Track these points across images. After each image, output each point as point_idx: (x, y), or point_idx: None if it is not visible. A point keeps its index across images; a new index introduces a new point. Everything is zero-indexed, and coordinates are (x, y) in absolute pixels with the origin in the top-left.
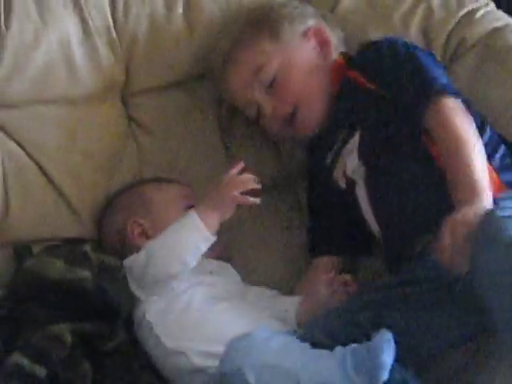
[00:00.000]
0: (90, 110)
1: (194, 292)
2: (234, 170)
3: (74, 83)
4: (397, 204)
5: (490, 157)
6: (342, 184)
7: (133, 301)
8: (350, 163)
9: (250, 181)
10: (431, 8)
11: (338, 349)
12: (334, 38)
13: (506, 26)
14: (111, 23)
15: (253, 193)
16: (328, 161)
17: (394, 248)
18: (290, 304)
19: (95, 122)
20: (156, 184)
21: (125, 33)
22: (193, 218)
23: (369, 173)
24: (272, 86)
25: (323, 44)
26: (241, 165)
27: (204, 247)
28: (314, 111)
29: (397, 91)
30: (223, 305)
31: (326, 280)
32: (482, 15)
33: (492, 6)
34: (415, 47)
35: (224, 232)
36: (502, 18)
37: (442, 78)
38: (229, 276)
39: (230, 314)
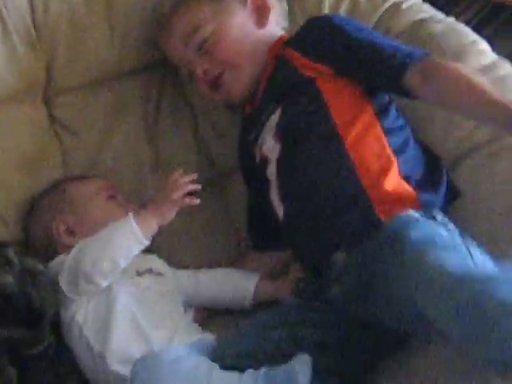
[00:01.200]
0: (11, 111)
1: (121, 293)
2: (174, 175)
3: None
4: (303, 190)
5: (410, 177)
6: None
7: (59, 303)
8: (268, 140)
9: (188, 183)
10: (357, 1)
11: (249, 373)
12: (276, 9)
13: (431, 17)
14: (30, 22)
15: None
16: (251, 137)
17: (300, 245)
18: (248, 282)
19: (16, 122)
20: (76, 181)
21: (44, 32)
22: (129, 220)
23: (282, 153)
24: (204, 48)
25: (260, 11)
26: (180, 170)
27: (136, 250)
28: (240, 77)
29: (348, 60)
30: (146, 308)
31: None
32: (408, 7)
33: None
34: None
35: None
36: (427, 11)
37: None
38: (161, 276)
39: (149, 319)
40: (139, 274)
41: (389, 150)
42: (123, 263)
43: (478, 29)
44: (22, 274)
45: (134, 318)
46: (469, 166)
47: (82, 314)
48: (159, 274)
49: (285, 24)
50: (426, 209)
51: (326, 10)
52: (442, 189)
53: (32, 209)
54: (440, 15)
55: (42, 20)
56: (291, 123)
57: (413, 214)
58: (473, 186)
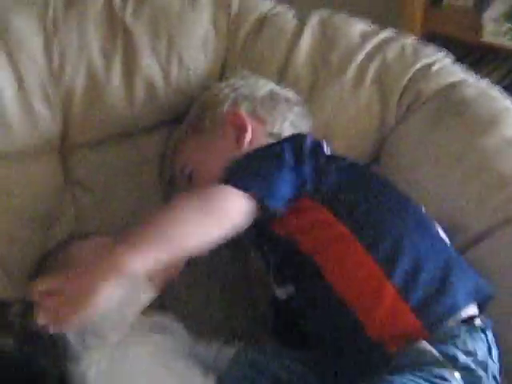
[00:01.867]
0: (25, 167)
1: (134, 350)
2: None
3: (7, 139)
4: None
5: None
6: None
7: (64, 363)
8: None
9: None
10: (386, 62)
11: None
12: (260, 127)
13: (462, 80)
14: (46, 77)
15: None
16: None
17: None
18: None
19: (30, 179)
20: (82, 241)
21: (61, 87)
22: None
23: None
24: (191, 181)
25: (239, 131)
26: None
27: (146, 301)
28: None
29: None
30: (162, 368)
31: None
32: (438, 69)
33: (448, 60)
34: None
35: None
36: (457, 73)
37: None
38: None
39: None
40: (152, 330)
41: (375, 266)
42: (131, 316)
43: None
44: (24, 337)
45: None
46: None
47: (94, 371)
48: (173, 332)
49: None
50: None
51: (354, 71)
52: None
53: (37, 269)
54: (472, 78)
55: (58, 75)
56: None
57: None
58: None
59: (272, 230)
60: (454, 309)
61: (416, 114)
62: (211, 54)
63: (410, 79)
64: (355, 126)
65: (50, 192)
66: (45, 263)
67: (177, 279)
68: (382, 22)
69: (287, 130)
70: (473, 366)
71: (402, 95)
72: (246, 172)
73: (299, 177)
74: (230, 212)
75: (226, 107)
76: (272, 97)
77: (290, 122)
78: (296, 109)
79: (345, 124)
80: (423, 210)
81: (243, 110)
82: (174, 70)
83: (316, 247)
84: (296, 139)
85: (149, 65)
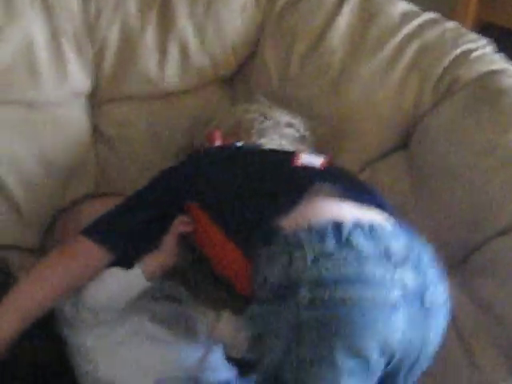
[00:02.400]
0: (51, 116)
1: (130, 323)
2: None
3: (36, 87)
4: None
5: None
6: None
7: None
8: None
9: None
10: (425, 44)
11: None
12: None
13: (503, 70)
14: (81, 27)
15: None
16: None
17: None
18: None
19: (55, 129)
20: (96, 201)
21: (95, 38)
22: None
23: None
24: None
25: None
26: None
27: (136, 291)
28: None
29: None
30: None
31: None
32: (479, 56)
33: (490, 48)
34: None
35: None
36: (498, 62)
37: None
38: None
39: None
40: (155, 299)
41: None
42: (123, 303)
43: None
44: None
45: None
46: None
47: (91, 340)
48: (175, 300)
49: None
50: None
51: (391, 50)
52: None
53: (50, 224)
54: None
55: (93, 27)
56: None
57: None
58: None
59: None
60: None
61: (451, 100)
62: (248, 20)
63: (449, 64)
64: (386, 107)
65: (75, 144)
66: (54, 223)
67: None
68: (435, 11)
69: None
70: None
71: (439, 80)
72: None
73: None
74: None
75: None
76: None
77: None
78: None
79: (375, 104)
80: None
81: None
82: (210, 34)
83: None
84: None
85: (184, 27)
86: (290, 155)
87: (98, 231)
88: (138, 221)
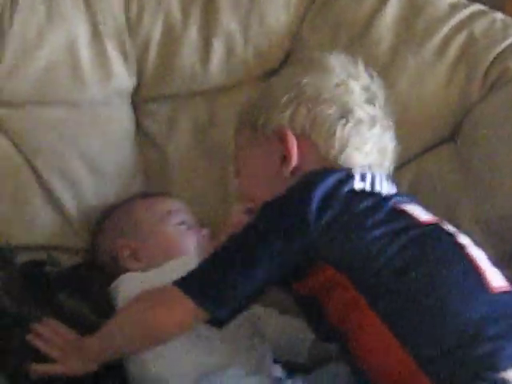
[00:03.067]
0: (94, 115)
1: None
2: None
3: (79, 86)
4: None
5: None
6: None
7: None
8: None
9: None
10: (473, 36)
11: None
12: (312, 147)
13: None
14: (123, 25)
15: None
16: None
17: None
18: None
19: (99, 128)
20: (146, 201)
21: (137, 36)
22: None
23: None
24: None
25: (286, 152)
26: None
27: None
28: None
29: None
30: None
31: None
32: None
33: None
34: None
35: None
36: None
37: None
38: None
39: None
40: None
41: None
42: None
43: None
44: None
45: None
46: None
47: None
48: None
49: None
50: None
51: (438, 41)
52: None
53: (99, 224)
54: None
55: (136, 25)
56: None
57: None
58: None
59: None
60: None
61: (500, 92)
62: (292, 12)
63: (498, 55)
64: (433, 99)
65: (119, 144)
66: (103, 224)
67: None
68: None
69: (350, 157)
70: None
71: (487, 71)
72: (199, 275)
73: (276, 258)
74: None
75: (281, 118)
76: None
77: (354, 147)
78: (372, 130)
79: (422, 96)
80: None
81: (298, 130)
82: (254, 28)
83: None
84: (295, 197)
85: (228, 21)
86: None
87: (204, 293)
88: (255, 288)
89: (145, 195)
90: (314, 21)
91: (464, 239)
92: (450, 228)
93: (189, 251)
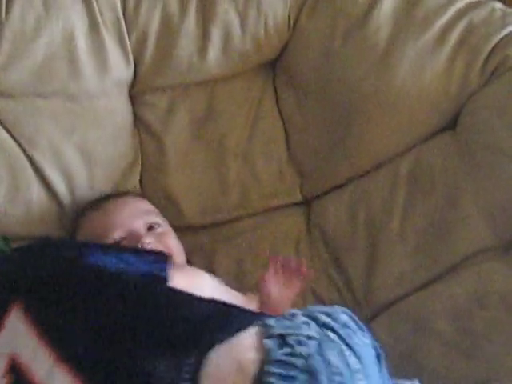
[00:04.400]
0: (91, 107)
1: None
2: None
3: (76, 78)
4: None
5: None
6: None
7: None
8: None
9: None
10: (473, 23)
11: None
12: None
13: None
14: (121, 17)
15: None
16: None
17: None
18: None
19: (96, 119)
20: (119, 200)
21: (135, 27)
22: None
23: None
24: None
25: None
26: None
27: None
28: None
29: None
30: None
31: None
32: None
33: None
34: None
35: None
36: None
37: None
38: None
39: None
40: None
41: None
42: None
43: None
44: None
45: None
46: None
47: None
48: None
49: None
50: None
51: (438, 30)
52: None
53: (76, 217)
54: None
55: (133, 16)
56: None
57: None
58: None
59: None
60: None
61: (500, 80)
62: (290, 1)
63: (498, 43)
64: (433, 87)
65: (117, 135)
66: (79, 218)
67: None
68: None
69: None
70: None
71: (487, 59)
72: None
73: None
74: None
75: None
76: None
77: None
78: None
79: (422, 84)
80: None
81: None
82: (252, 17)
83: None
84: None
85: (226, 10)
86: None
87: None
88: None
89: (122, 194)
90: (313, 10)
91: None
92: None
93: None
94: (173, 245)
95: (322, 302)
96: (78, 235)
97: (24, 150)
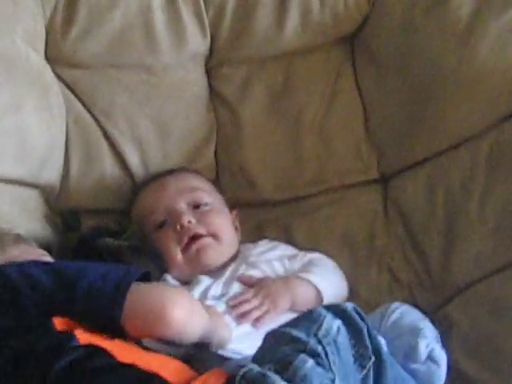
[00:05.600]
0: (167, 79)
1: None
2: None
3: (152, 50)
4: None
5: None
6: None
7: None
8: None
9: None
10: None
11: None
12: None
13: None
14: None
15: None
16: None
17: None
18: None
19: (171, 91)
20: (169, 177)
21: (212, 1)
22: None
23: None
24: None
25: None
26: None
27: None
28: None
29: None
30: None
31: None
32: None
33: None
34: None
35: None
36: None
37: None
38: None
39: None
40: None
41: None
42: None
43: None
44: None
45: None
46: None
47: None
48: None
49: None
50: None
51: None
52: None
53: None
54: None
55: None
56: None
57: None
58: None
59: None
60: None
61: None
62: None
63: None
64: None
65: (194, 108)
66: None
67: None
68: None
69: None
70: None
71: None
72: None
73: None
74: None
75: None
76: None
77: None
78: None
79: (504, 62)
80: None
81: None
82: None
83: None
84: None
85: None
86: None
87: None
88: None
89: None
90: None
91: None
92: None
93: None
94: (219, 225)
95: (398, 281)
96: (132, 214)
97: (98, 122)
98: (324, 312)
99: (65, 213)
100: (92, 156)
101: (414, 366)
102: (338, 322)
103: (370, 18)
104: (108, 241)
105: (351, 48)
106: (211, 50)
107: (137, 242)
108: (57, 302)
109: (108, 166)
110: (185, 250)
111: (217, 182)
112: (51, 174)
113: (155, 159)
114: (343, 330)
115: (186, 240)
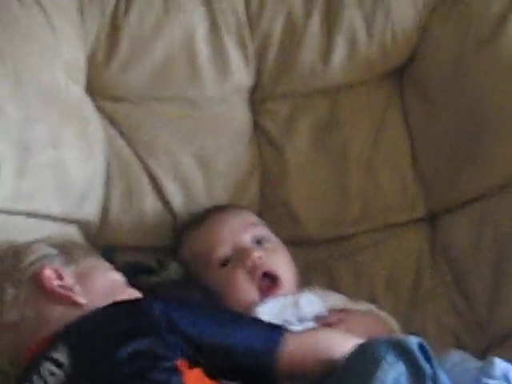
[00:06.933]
0: (211, 113)
1: None
2: None
3: (196, 83)
4: None
5: None
6: None
7: None
8: None
9: None
10: None
11: None
12: None
13: None
14: (244, 21)
15: None
16: None
17: None
18: None
19: (215, 126)
20: (224, 213)
21: (257, 32)
22: None
23: None
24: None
25: None
26: None
27: None
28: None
29: None
30: None
31: None
32: None
33: None
34: None
35: None
36: None
37: None
38: None
39: None
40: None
41: None
42: None
43: None
44: None
45: None
46: None
47: None
48: None
49: None
50: None
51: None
52: None
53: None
54: None
55: (256, 19)
56: None
57: None
58: None
59: None
60: None
61: None
62: (420, 6)
63: None
64: None
65: (237, 144)
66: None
67: None
68: None
69: None
70: None
71: None
72: None
73: None
74: None
75: None
76: None
77: None
78: None
79: None
80: None
81: None
82: (379, 23)
83: None
84: None
85: (352, 15)
86: None
87: None
88: None
89: (224, 208)
90: (443, 16)
91: None
92: None
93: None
94: (285, 262)
95: (443, 326)
96: (181, 254)
97: (140, 158)
98: (383, 351)
99: (101, 249)
100: (132, 192)
101: (487, 380)
102: (398, 369)
103: (418, 50)
104: (142, 277)
105: (399, 81)
106: (256, 83)
107: (174, 279)
108: None
109: (149, 203)
110: (258, 286)
111: (260, 219)
112: (90, 210)
113: (198, 196)
114: (403, 379)
115: (259, 276)
